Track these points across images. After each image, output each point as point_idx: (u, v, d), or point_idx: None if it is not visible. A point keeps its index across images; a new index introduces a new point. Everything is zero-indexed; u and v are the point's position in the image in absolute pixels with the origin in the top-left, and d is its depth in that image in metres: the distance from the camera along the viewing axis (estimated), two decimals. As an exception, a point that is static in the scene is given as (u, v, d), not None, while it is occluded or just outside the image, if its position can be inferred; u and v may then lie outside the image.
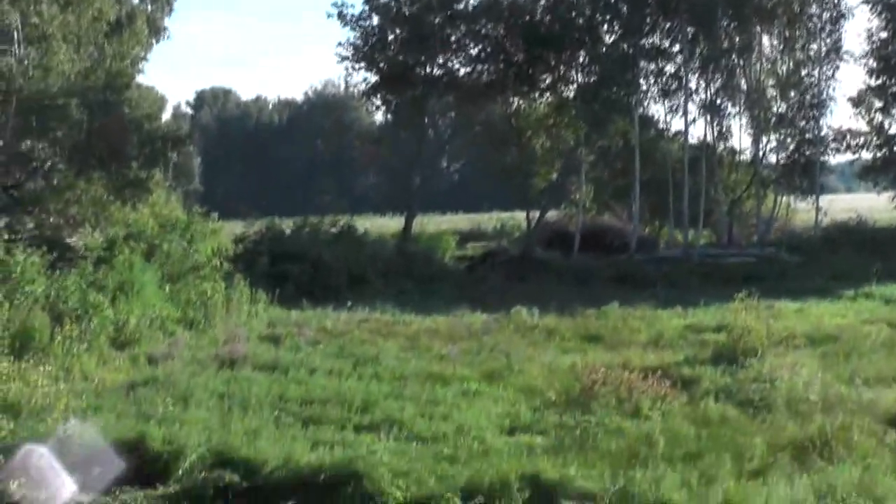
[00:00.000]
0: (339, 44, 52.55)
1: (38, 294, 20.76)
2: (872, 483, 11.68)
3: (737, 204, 54.04)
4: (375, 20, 52.62)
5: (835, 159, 59.54)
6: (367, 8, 52.35)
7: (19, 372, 16.63)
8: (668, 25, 51.16)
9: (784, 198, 53.98)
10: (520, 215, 59.05)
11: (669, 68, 52.00)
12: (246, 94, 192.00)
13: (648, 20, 50.68)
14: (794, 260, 44.99)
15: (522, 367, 20.15)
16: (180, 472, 12.53)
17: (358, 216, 61.83)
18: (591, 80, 50.15)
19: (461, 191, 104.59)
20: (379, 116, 72.80)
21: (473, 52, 52.99)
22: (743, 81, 52.50)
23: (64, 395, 15.21)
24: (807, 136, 52.60)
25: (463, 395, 17.41)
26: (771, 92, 53.66)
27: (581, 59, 51.10)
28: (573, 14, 50.40)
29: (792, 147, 52.82)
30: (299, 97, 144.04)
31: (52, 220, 36.29)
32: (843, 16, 52.50)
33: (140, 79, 51.37)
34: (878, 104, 53.78)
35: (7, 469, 10.10)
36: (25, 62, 37.89)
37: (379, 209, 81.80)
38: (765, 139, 52.97)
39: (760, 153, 52.88)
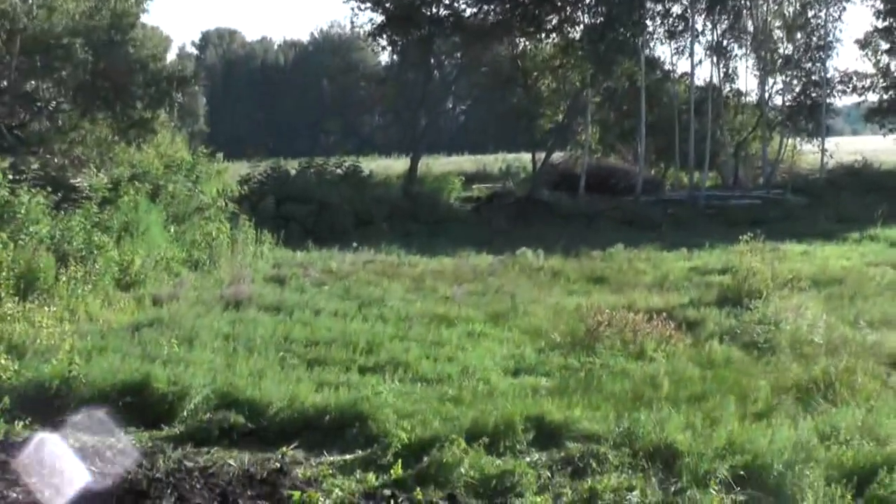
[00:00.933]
0: (346, -17, 52.50)
1: (43, 235, 20.67)
2: (876, 424, 11.65)
3: (742, 146, 54.05)
4: (381, -41, 52.37)
5: (841, 101, 59.59)
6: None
7: (24, 313, 16.63)
8: (674, -35, 50.83)
9: (790, 140, 53.91)
10: (525, 157, 59.08)
11: (676, 9, 51.84)
12: (251, 34, 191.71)
13: (655, -40, 50.32)
14: (800, 202, 45.03)
15: (527, 308, 20.12)
16: (185, 412, 12.51)
17: (363, 157, 61.85)
18: (598, 20, 49.81)
19: (467, 132, 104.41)
20: (385, 57, 72.91)
21: (480, -8, 52.69)
22: (749, 23, 52.36)
23: (69, 336, 15.22)
24: (813, 77, 52.52)
25: (468, 337, 17.36)
26: (777, 33, 53.54)
27: (587, 0, 50.80)
28: (580, -46, 50.07)
29: (798, 89, 52.76)
30: (305, 38, 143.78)
31: (56, 160, 36.29)
32: (850, -44, 52.17)
33: (145, 18, 51.37)
34: (884, 46, 53.81)
35: (20, 458, 10.08)
36: (30, 1, 37.72)
37: (384, 150, 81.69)
38: (771, 81, 52.99)
39: (766, 95, 52.93)
